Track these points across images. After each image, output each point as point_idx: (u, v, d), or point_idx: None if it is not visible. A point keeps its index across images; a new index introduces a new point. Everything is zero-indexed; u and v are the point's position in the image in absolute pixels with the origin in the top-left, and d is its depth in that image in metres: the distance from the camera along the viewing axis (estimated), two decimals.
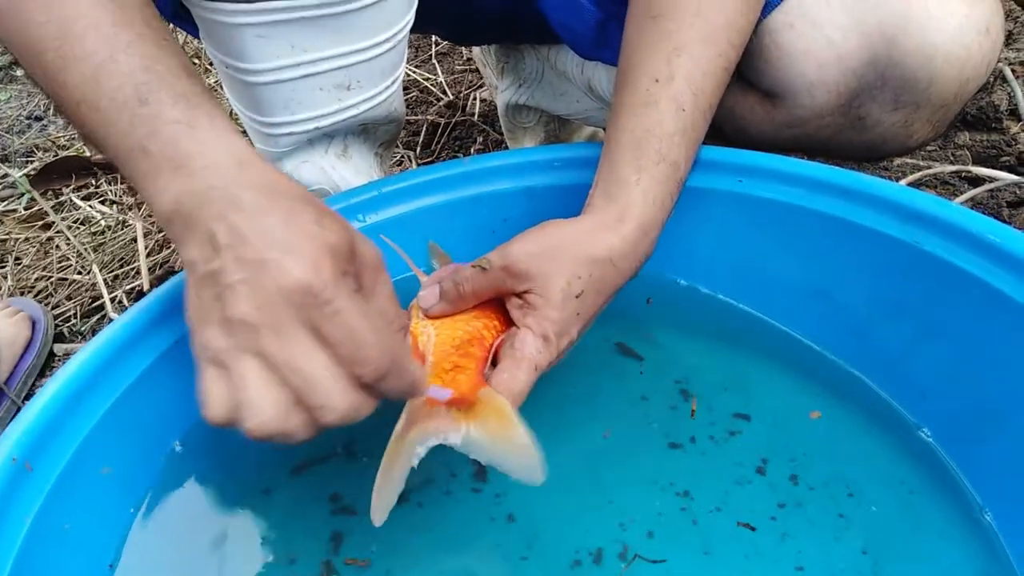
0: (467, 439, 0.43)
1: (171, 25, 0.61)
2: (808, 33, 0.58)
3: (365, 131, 0.71)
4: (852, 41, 0.57)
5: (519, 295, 0.48)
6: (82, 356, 0.48)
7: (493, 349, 0.49)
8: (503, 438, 0.43)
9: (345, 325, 0.36)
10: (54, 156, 1.41)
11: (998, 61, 1.04)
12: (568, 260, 0.48)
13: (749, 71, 0.56)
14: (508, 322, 0.50)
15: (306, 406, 0.37)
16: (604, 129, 0.97)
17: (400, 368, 0.39)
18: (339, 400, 0.37)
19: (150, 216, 1.16)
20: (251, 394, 0.36)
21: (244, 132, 0.72)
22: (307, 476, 0.52)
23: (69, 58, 0.42)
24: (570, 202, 0.65)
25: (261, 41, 0.56)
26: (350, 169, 0.72)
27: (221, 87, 1.36)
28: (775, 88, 0.62)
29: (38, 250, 1.17)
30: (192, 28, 0.59)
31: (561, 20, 0.67)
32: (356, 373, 0.37)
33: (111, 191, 1.26)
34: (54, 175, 1.21)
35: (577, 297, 0.47)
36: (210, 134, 0.41)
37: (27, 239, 1.20)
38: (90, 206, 1.22)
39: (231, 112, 0.96)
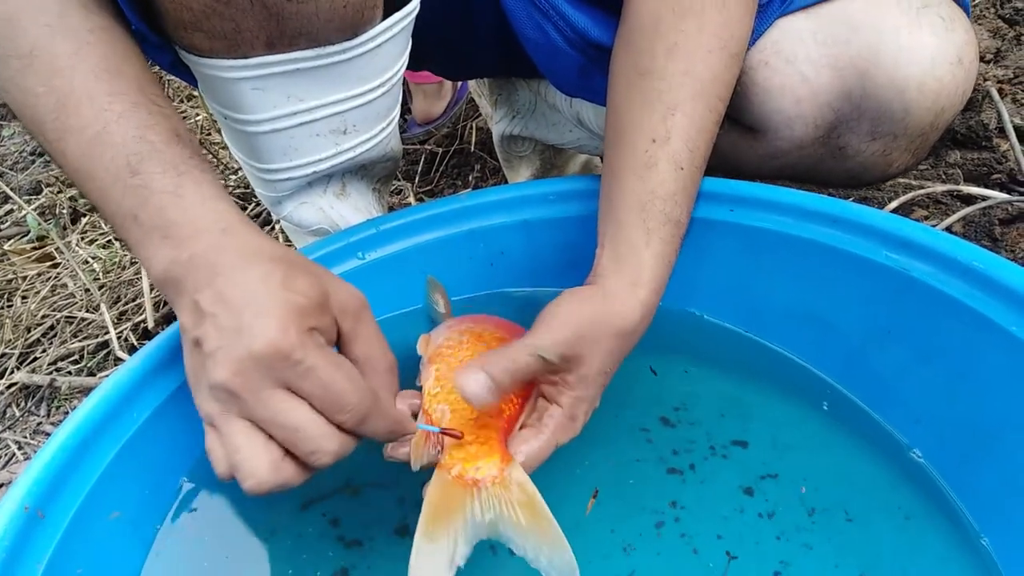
0: (495, 524, 0.42)
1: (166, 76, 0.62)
2: (782, 69, 0.60)
3: (363, 169, 0.73)
4: (825, 76, 0.59)
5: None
6: (90, 403, 0.49)
7: (517, 423, 0.47)
8: (534, 530, 0.41)
9: (319, 379, 0.39)
10: (58, 192, 1.43)
11: (986, 80, 1.06)
12: (602, 339, 0.47)
13: (729, 107, 0.57)
14: (526, 393, 0.49)
15: (297, 454, 0.39)
16: (600, 158, 0.98)
17: (380, 410, 0.41)
18: (329, 442, 0.39)
19: None
20: (243, 456, 0.39)
21: (243, 188, 0.74)
22: (313, 511, 0.53)
23: (66, 129, 0.44)
24: (566, 235, 0.67)
25: (258, 93, 0.57)
26: (348, 207, 0.73)
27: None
28: (755, 123, 0.63)
29: (44, 286, 1.18)
30: (189, 77, 0.60)
31: (543, 63, 0.69)
32: (337, 420, 0.39)
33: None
34: None
35: (606, 373, 0.48)
36: (195, 202, 0.43)
37: (35, 276, 1.22)
38: (92, 253, 1.24)
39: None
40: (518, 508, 0.42)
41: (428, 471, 0.45)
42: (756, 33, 0.60)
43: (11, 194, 1.09)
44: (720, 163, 0.67)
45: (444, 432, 0.45)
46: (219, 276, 0.40)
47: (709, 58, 0.53)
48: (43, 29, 0.45)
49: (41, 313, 1.12)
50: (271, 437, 0.39)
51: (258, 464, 0.38)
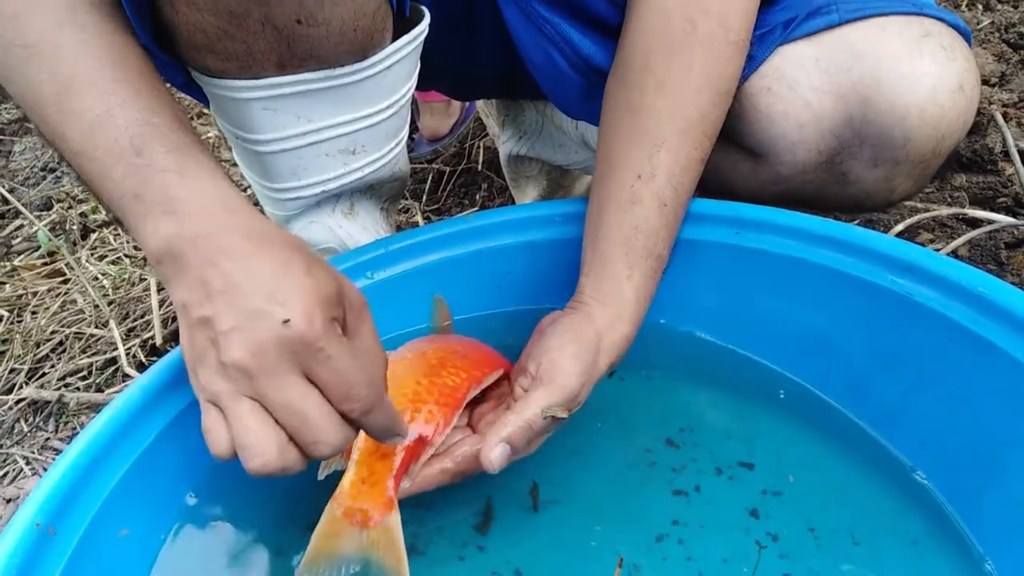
0: (365, 567, 0.44)
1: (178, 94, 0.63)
2: (785, 96, 0.60)
3: (371, 188, 0.74)
4: (827, 102, 0.59)
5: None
6: (101, 420, 0.49)
7: (418, 458, 0.48)
8: None
9: (336, 369, 0.39)
10: (69, 208, 1.44)
11: (991, 104, 1.06)
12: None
13: (731, 132, 0.58)
14: (444, 424, 0.50)
15: (301, 442, 0.40)
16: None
17: (385, 404, 0.42)
18: (332, 435, 0.40)
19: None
20: (252, 437, 0.39)
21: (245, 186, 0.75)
22: None
23: (68, 112, 0.45)
24: (572, 256, 0.67)
25: (268, 113, 0.58)
26: (357, 226, 0.74)
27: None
28: (757, 149, 0.64)
29: (54, 302, 1.19)
30: (201, 96, 0.61)
31: (548, 86, 0.70)
32: (345, 409, 0.40)
33: (126, 246, 1.29)
34: None
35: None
36: (199, 182, 0.43)
37: (45, 291, 1.23)
38: (103, 267, 1.25)
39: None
40: (383, 557, 0.44)
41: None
42: (758, 60, 0.61)
43: (22, 209, 1.10)
44: (720, 186, 0.67)
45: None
46: (227, 256, 0.40)
47: (697, 97, 0.55)
48: (51, 23, 0.45)
49: (50, 329, 1.13)
50: (276, 421, 0.40)
51: (267, 444, 0.39)
